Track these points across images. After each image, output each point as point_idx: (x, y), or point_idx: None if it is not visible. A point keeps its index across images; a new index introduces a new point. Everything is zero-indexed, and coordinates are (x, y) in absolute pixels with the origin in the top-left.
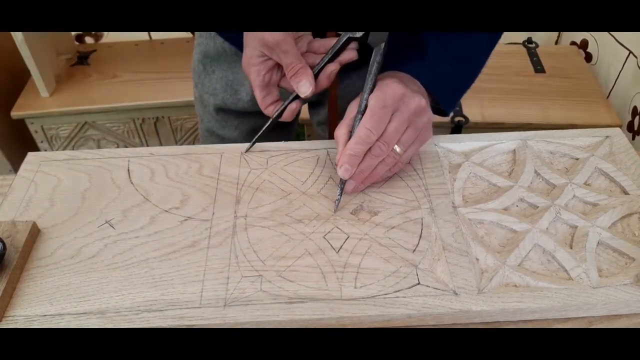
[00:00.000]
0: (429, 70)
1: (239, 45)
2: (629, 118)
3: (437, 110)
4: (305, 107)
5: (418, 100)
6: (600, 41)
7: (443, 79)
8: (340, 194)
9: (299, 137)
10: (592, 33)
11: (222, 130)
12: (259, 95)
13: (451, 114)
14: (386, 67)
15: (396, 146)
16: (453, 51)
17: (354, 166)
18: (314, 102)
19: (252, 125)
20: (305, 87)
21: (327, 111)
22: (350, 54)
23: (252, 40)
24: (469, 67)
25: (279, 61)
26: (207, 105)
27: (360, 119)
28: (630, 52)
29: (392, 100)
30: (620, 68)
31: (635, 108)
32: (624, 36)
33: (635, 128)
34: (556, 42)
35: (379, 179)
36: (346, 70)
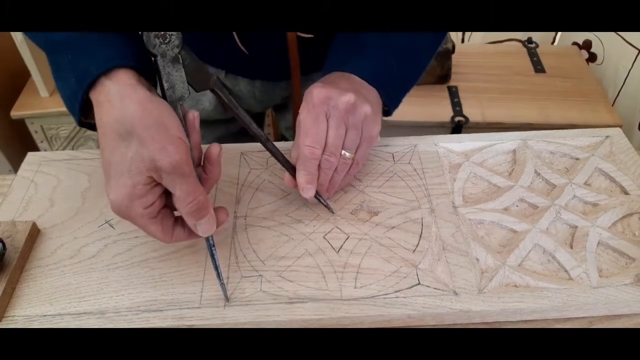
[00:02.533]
0: (369, 63)
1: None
2: None
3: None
4: (270, 110)
5: (346, 98)
6: (606, 41)
7: (385, 72)
8: (324, 200)
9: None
10: (595, 33)
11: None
12: (157, 231)
13: (451, 115)
14: (330, 67)
15: (344, 151)
16: (394, 45)
17: (313, 183)
18: (279, 106)
19: (218, 133)
20: (207, 226)
21: (292, 115)
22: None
23: (135, 163)
24: (412, 61)
25: (172, 189)
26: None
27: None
28: None
29: (320, 108)
30: (629, 67)
31: None
32: (632, 36)
33: None
34: (552, 42)
35: (342, 184)
36: (308, 72)
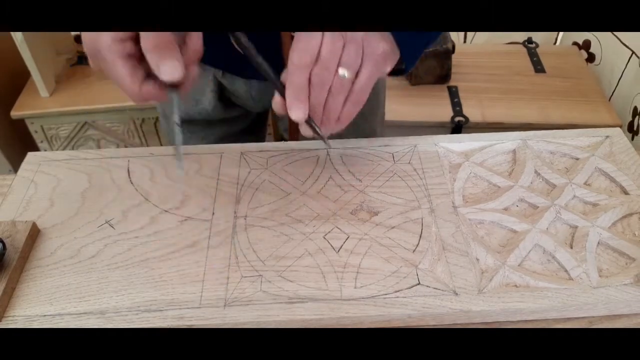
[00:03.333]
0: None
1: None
2: (630, 118)
3: (397, 70)
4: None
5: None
6: (603, 42)
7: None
8: (319, 129)
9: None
10: (594, 33)
11: (188, 142)
12: (125, 75)
13: (451, 115)
14: None
15: (341, 70)
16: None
17: (303, 101)
18: None
19: (219, 134)
20: (171, 68)
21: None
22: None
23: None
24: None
25: (144, 43)
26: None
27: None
28: (633, 52)
29: (315, 34)
30: (623, 68)
31: (635, 108)
32: (627, 36)
33: (635, 128)
34: (555, 42)
35: (344, 114)
36: None
